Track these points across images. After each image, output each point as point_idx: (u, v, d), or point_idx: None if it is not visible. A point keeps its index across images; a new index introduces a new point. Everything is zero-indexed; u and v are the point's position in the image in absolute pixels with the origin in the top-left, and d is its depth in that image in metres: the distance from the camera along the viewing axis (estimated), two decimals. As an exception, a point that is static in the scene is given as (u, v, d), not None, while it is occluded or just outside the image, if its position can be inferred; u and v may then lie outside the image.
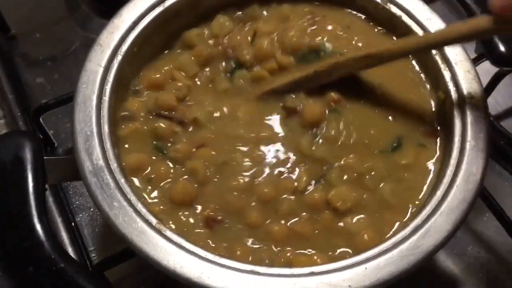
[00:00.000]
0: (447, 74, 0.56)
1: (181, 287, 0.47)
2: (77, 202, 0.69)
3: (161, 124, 0.55)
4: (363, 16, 0.62)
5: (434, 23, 0.58)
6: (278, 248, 0.50)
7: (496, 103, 0.78)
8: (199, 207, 0.52)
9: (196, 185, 0.52)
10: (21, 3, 0.84)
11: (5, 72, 0.77)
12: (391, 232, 0.50)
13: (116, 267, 0.58)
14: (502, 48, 0.59)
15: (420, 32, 0.58)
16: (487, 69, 0.66)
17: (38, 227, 0.47)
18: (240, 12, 0.62)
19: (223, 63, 0.60)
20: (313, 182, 0.53)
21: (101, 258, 0.61)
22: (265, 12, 0.62)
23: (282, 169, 0.54)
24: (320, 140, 0.55)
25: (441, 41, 0.53)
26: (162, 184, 0.53)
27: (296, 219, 0.52)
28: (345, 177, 0.53)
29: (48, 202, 0.67)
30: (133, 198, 0.48)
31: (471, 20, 0.50)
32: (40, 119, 0.69)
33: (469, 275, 0.64)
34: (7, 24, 0.81)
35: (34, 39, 0.82)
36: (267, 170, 0.53)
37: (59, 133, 0.73)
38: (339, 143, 0.55)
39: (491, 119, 0.71)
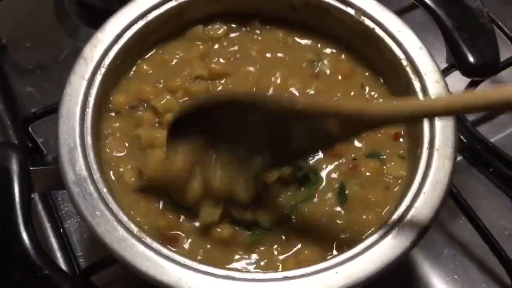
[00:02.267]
0: (417, 85, 0.58)
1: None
2: (66, 209, 0.70)
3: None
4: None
5: (405, 35, 0.60)
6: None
7: (474, 108, 0.80)
8: None
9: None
10: (11, 13, 0.86)
11: (-4, 81, 0.79)
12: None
13: (104, 272, 0.60)
14: (471, 59, 0.61)
15: (391, 43, 0.60)
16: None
17: (24, 235, 0.49)
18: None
19: None
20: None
21: (89, 263, 0.63)
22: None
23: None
24: None
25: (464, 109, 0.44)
26: None
27: None
28: None
29: (37, 208, 0.68)
30: (114, 207, 0.50)
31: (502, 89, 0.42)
32: (29, 128, 0.71)
33: (445, 277, 0.66)
34: (-3, 34, 0.83)
35: (24, 48, 0.83)
36: None
37: (48, 141, 0.74)
38: None
39: (467, 125, 0.74)
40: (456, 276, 0.66)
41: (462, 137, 0.73)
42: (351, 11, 0.62)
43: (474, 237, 0.66)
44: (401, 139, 0.59)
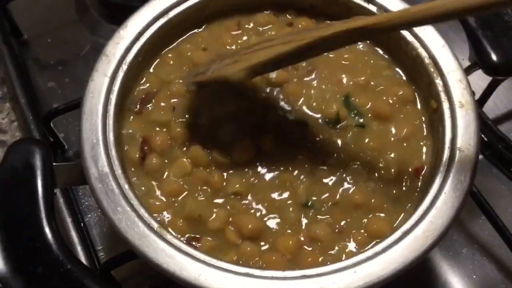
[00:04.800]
0: (439, 83, 0.57)
1: (182, 286, 0.50)
2: (86, 203, 0.71)
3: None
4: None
5: (427, 32, 0.59)
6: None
7: (495, 106, 0.79)
8: None
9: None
10: (32, 9, 0.87)
11: (18, 76, 0.79)
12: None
13: (124, 266, 0.61)
14: (494, 57, 0.60)
15: (413, 41, 0.60)
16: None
17: (47, 229, 0.50)
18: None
19: None
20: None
21: (108, 257, 0.64)
22: None
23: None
24: None
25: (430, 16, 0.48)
26: None
27: None
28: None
29: (58, 203, 0.69)
30: (136, 203, 0.51)
31: None
32: (51, 123, 0.72)
33: (463, 277, 0.66)
34: (20, 30, 0.84)
35: (45, 43, 0.85)
36: None
37: (69, 136, 0.76)
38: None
39: (489, 123, 0.73)
40: (474, 276, 0.66)
41: (482, 135, 0.72)
42: (373, 8, 0.62)
43: (494, 236, 0.65)
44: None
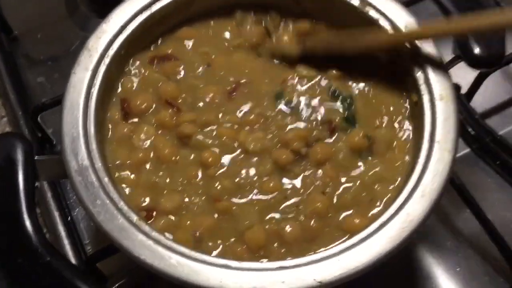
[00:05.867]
0: (420, 76, 0.57)
1: (162, 280, 0.50)
2: (74, 197, 0.71)
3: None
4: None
5: (410, 26, 0.59)
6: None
7: (483, 100, 0.79)
8: None
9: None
10: (22, 5, 0.87)
11: (8, 72, 0.80)
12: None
13: (111, 259, 0.61)
14: (477, 50, 0.60)
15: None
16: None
17: (27, 222, 0.50)
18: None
19: None
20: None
21: (95, 250, 0.64)
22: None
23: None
24: None
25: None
26: None
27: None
28: None
29: (46, 197, 0.70)
30: (115, 196, 0.51)
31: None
32: (38, 118, 0.72)
33: (447, 269, 0.66)
34: (10, 26, 0.85)
35: (35, 39, 0.85)
36: None
37: (58, 131, 0.76)
38: None
39: (476, 117, 0.73)
40: (458, 268, 0.66)
41: (470, 129, 0.72)
42: (355, 2, 0.62)
43: (478, 229, 0.65)
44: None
